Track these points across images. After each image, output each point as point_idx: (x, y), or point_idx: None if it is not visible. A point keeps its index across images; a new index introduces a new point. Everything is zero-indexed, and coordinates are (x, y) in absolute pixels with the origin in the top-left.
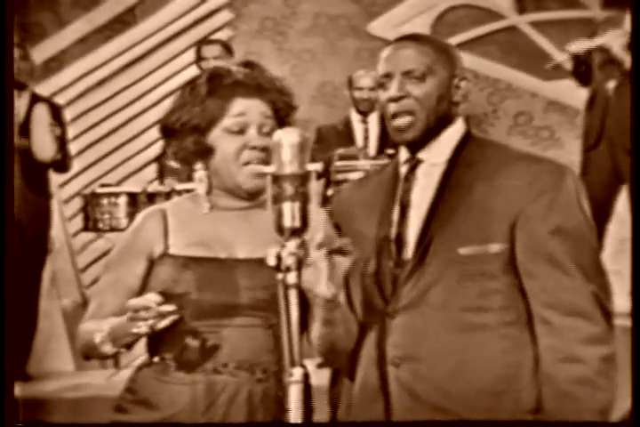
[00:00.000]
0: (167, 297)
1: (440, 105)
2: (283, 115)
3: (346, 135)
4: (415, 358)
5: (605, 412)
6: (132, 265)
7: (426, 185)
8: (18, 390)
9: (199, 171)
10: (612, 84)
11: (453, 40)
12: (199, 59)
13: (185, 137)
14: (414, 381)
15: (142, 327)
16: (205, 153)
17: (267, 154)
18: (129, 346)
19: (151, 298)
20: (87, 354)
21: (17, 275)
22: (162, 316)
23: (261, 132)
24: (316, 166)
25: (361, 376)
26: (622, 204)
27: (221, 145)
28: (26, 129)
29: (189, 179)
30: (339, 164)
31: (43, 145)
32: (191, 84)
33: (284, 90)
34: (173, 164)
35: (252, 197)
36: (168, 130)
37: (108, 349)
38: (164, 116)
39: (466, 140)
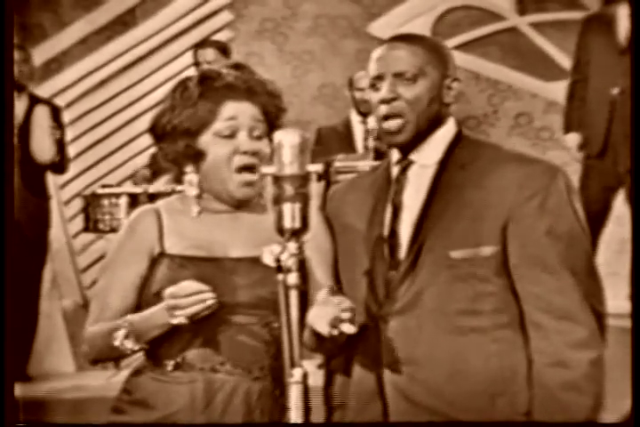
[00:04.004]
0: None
1: (431, 107)
2: (272, 118)
3: (346, 136)
4: (410, 361)
5: (591, 417)
6: (134, 264)
7: (417, 187)
8: (18, 390)
9: (189, 174)
10: (615, 91)
11: (454, 41)
12: (196, 63)
13: (176, 140)
14: (409, 384)
15: (180, 317)
16: (196, 157)
17: (258, 159)
18: (150, 342)
19: (193, 285)
20: (99, 357)
21: (17, 275)
22: (201, 303)
23: (252, 136)
24: (316, 167)
25: (356, 379)
26: (621, 205)
27: (212, 149)
28: (24, 131)
29: (178, 180)
30: (339, 164)
31: (42, 147)
32: (181, 86)
33: (274, 93)
34: (165, 164)
35: (240, 204)
36: (158, 133)
37: (130, 346)
38: (153, 118)
39: (457, 141)
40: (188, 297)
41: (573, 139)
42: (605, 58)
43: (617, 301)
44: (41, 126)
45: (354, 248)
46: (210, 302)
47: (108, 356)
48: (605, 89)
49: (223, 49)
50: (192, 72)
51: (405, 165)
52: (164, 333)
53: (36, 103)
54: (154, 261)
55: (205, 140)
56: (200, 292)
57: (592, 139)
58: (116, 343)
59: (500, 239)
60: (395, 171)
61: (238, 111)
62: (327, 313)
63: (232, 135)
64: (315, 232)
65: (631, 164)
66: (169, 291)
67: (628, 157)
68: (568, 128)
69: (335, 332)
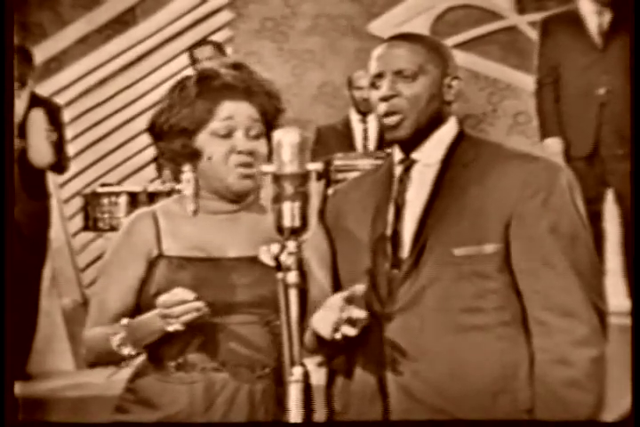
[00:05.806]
0: None
1: (431, 105)
2: (270, 118)
3: (345, 135)
4: (412, 359)
5: (594, 414)
6: (131, 267)
7: (420, 186)
8: (18, 389)
9: (187, 172)
10: (602, 91)
11: (453, 40)
12: (193, 61)
13: (173, 139)
14: (412, 382)
15: (175, 324)
16: (193, 156)
17: (254, 158)
18: (147, 346)
19: (184, 294)
20: (98, 361)
21: (17, 274)
22: (195, 311)
23: (248, 135)
24: (316, 166)
25: (359, 378)
26: (610, 205)
27: (209, 149)
28: (24, 129)
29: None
30: (339, 163)
31: (39, 151)
32: (180, 85)
33: (272, 93)
34: (164, 163)
35: (239, 198)
36: (156, 131)
37: (127, 351)
38: (151, 117)
39: (459, 140)
40: (178, 305)
41: (556, 144)
42: (580, 58)
43: (616, 298)
44: (36, 131)
45: (356, 247)
46: (202, 312)
47: (106, 360)
48: (589, 90)
49: (219, 48)
50: (191, 71)
51: (408, 164)
52: (161, 337)
53: (34, 105)
54: (151, 264)
55: (202, 139)
56: (189, 300)
57: (578, 141)
58: (114, 348)
59: (502, 237)
60: (397, 170)
61: (235, 111)
62: (331, 318)
63: (228, 135)
64: (312, 232)
65: (631, 163)
66: (160, 299)
67: (614, 158)
68: (545, 134)
69: (338, 336)
